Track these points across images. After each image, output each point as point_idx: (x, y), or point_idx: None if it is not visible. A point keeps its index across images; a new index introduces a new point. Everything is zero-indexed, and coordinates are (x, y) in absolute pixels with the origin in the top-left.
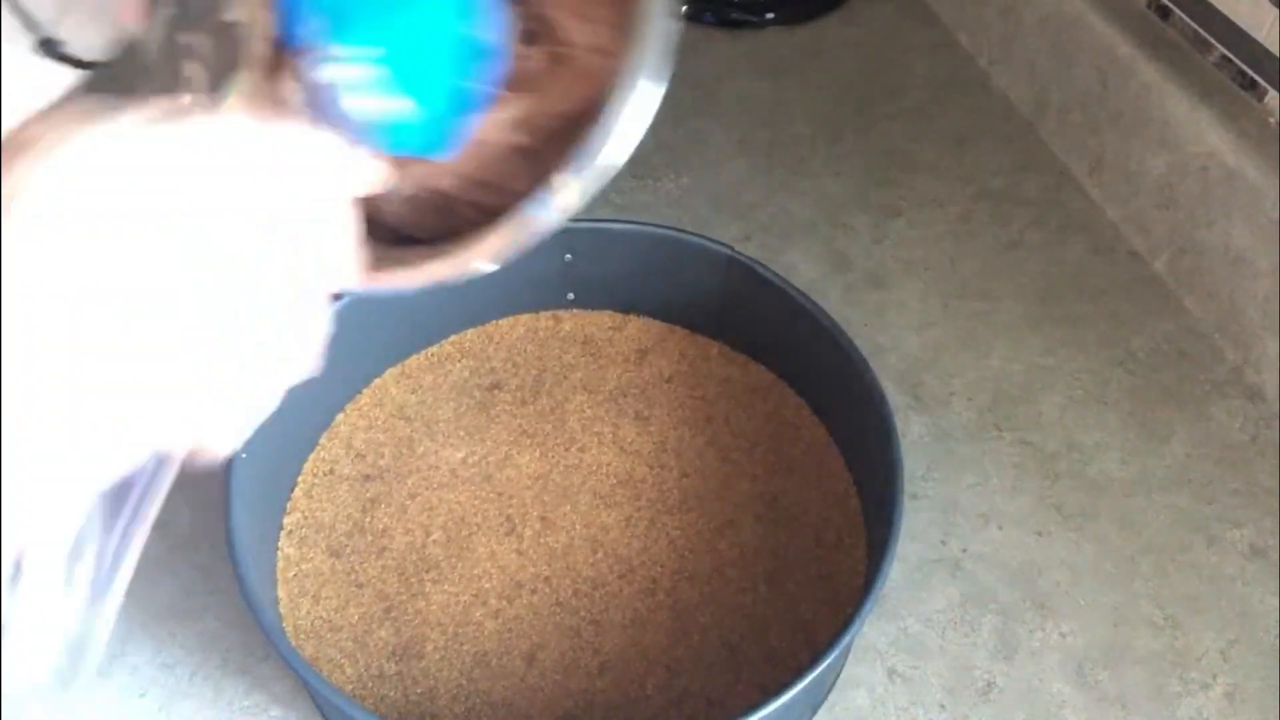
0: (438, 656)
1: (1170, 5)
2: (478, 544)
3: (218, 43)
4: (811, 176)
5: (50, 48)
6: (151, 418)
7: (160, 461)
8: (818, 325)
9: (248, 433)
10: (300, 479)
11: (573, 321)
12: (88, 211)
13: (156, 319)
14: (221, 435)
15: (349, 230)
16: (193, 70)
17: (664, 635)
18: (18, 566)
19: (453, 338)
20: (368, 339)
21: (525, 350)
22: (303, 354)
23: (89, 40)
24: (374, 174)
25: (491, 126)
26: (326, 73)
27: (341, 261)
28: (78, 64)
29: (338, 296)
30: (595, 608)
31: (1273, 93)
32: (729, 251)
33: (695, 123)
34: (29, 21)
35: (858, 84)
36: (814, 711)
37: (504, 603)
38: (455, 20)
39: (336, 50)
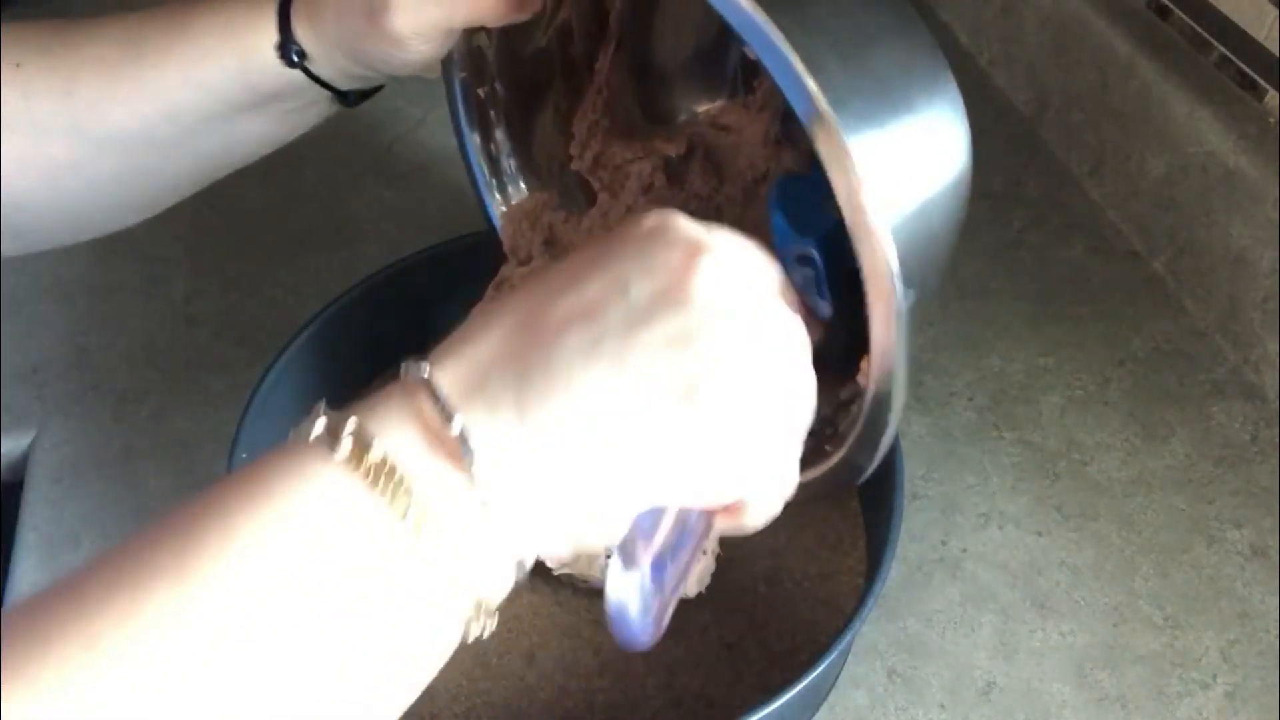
0: None
1: (1170, 5)
2: None
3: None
4: None
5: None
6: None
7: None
8: None
9: (773, 512)
10: None
11: None
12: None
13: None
14: (763, 507)
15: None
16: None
17: (664, 635)
18: (621, 551)
19: None
20: (368, 339)
21: None
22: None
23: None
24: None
25: None
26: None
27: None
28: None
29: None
30: (595, 607)
31: (1273, 93)
32: None
33: None
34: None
35: None
36: (814, 711)
37: (504, 602)
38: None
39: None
